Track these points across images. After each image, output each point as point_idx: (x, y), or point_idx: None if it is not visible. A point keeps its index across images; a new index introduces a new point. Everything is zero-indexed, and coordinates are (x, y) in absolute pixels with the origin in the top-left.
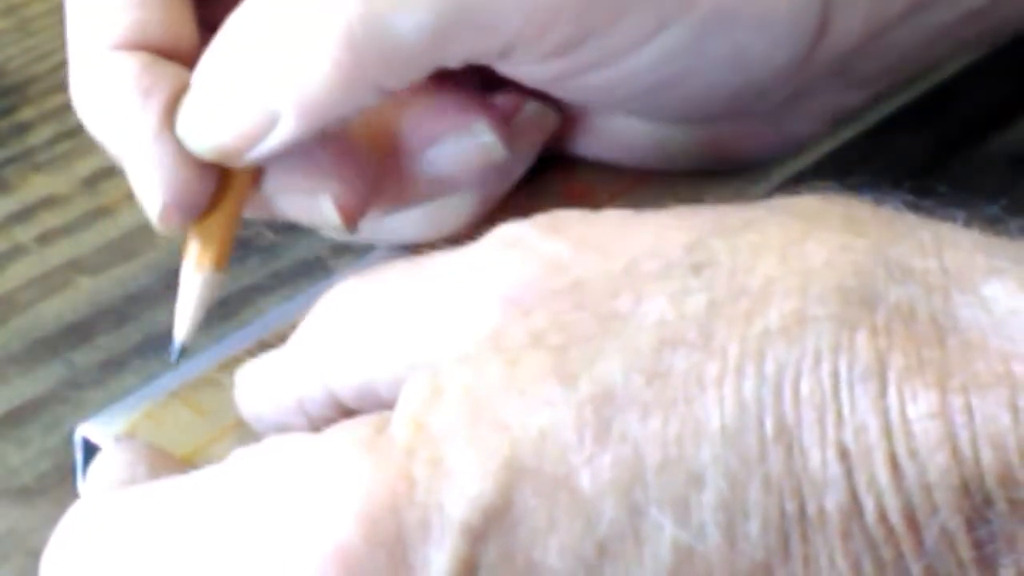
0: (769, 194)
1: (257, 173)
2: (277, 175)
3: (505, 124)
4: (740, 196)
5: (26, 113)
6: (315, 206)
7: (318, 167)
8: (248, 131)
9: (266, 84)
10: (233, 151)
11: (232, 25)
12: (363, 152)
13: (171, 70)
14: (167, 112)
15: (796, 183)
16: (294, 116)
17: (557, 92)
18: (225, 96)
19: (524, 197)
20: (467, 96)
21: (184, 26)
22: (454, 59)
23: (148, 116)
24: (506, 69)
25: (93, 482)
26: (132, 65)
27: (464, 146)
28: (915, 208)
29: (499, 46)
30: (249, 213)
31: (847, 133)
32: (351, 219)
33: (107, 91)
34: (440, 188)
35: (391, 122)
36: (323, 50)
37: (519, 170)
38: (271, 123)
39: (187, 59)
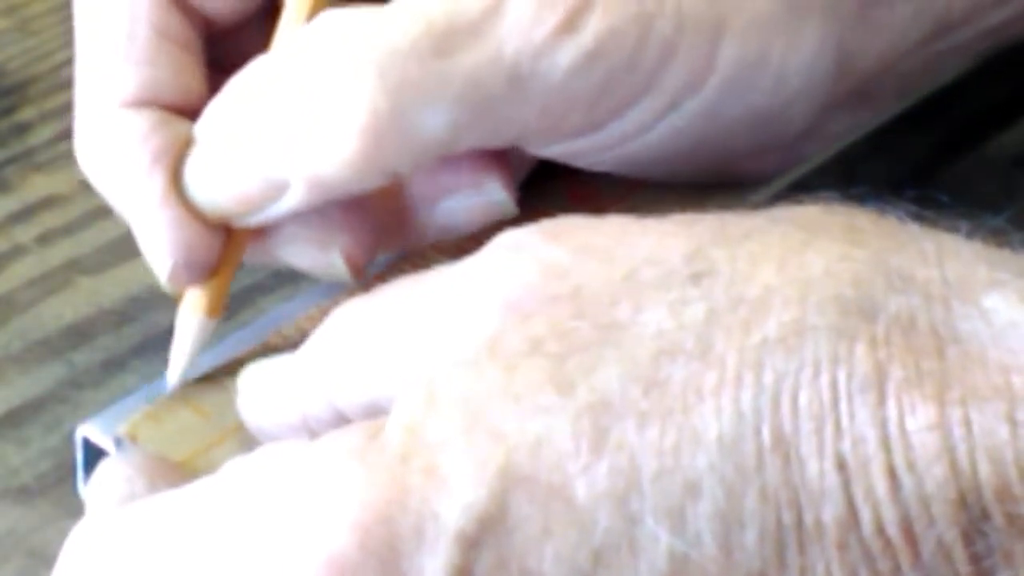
0: (770, 198)
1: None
2: (287, 228)
3: (516, 180)
4: (740, 201)
5: (26, 113)
6: (323, 258)
7: (328, 220)
8: (252, 197)
9: (277, 154)
10: (235, 214)
11: (241, 83)
12: (373, 203)
13: (180, 128)
14: (174, 173)
15: (797, 187)
16: (304, 190)
17: (570, 164)
18: (231, 158)
19: (527, 201)
20: (481, 150)
21: (193, 80)
22: (466, 147)
23: (155, 178)
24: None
25: (93, 499)
26: (140, 124)
27: (475, 203)
28: (918, 218)
29: (512, 136)
30: (248, 260)
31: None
32: (359, 270)
33: (114, 151)
34: (444, 236)
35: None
36: (345, 137)
37: (517, 178)
38: (277, 192)
39: (196, 113)
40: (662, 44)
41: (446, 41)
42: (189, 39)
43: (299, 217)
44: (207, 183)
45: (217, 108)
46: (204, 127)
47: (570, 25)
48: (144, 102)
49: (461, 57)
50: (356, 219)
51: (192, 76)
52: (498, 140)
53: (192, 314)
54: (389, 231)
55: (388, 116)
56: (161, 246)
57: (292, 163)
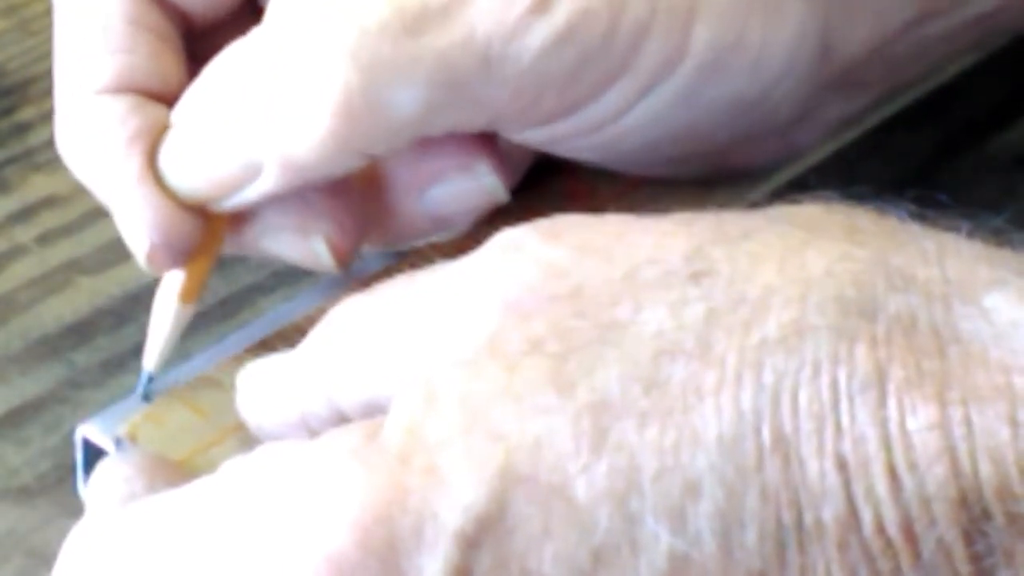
0: (770, 196)
1: (238, 213)
2: (268, 215)
3: (506, 164)
4: (740, 199)
5: (26, 113)
6: (306, 246)
7: (310, 207)
8: (227, 180)
9: (251, 136)
10: (210, 198)
11: (217, 68)
12: (356, 190)
13: (158, 112)
14: (151, 155)
15: (796, 186)
16: (277, 172)
17: (548, 151)
18: (206, 142)
19: (526, 199)
20: (469, 134)
21: (172, 66)
22: (440, 130)
23: (132, 158)
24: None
25: (93, 499)
26: (117, 109)
27: (465, 187)
28: (918, 218)
29: (485, 119)
30: (230, 250)
31: (848, 133)
32: (344, 259)
33: (92, 135)
34: (437, 226)
35: (388, 159)
36: (317, 115)
37: (514, 179)
38: (251, 174)
39: (175, 99)
40: (635, 25)
41: (417, 21)
42: (166, 30)
43: (278, 204)
44: (182, 166)
45: (192, 92)
46: (180, 111)
47: (542, 6)
48: (121, 88)
49: (433, 37)
50: (338, 205)
51: (170, 64)
52: (473, 123)
53: (169, 299)
54: (376, 219)
55: (360, 95)
56: (139, 226)
57: (265, 144)
